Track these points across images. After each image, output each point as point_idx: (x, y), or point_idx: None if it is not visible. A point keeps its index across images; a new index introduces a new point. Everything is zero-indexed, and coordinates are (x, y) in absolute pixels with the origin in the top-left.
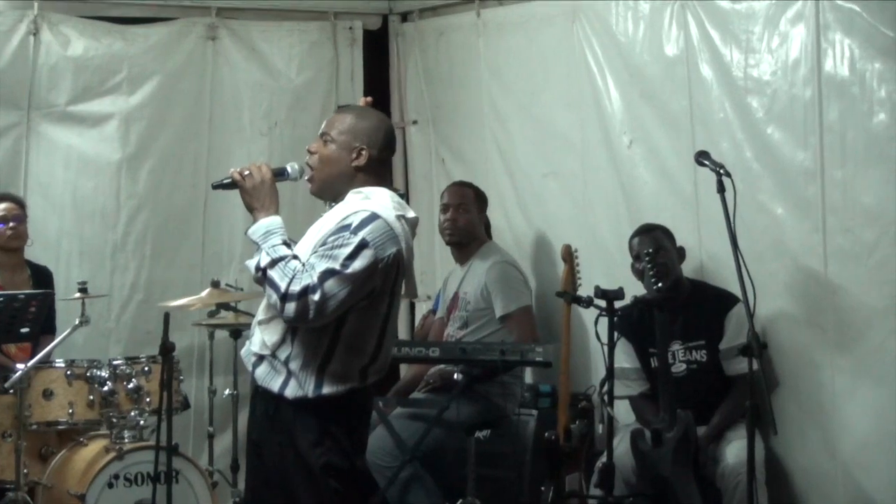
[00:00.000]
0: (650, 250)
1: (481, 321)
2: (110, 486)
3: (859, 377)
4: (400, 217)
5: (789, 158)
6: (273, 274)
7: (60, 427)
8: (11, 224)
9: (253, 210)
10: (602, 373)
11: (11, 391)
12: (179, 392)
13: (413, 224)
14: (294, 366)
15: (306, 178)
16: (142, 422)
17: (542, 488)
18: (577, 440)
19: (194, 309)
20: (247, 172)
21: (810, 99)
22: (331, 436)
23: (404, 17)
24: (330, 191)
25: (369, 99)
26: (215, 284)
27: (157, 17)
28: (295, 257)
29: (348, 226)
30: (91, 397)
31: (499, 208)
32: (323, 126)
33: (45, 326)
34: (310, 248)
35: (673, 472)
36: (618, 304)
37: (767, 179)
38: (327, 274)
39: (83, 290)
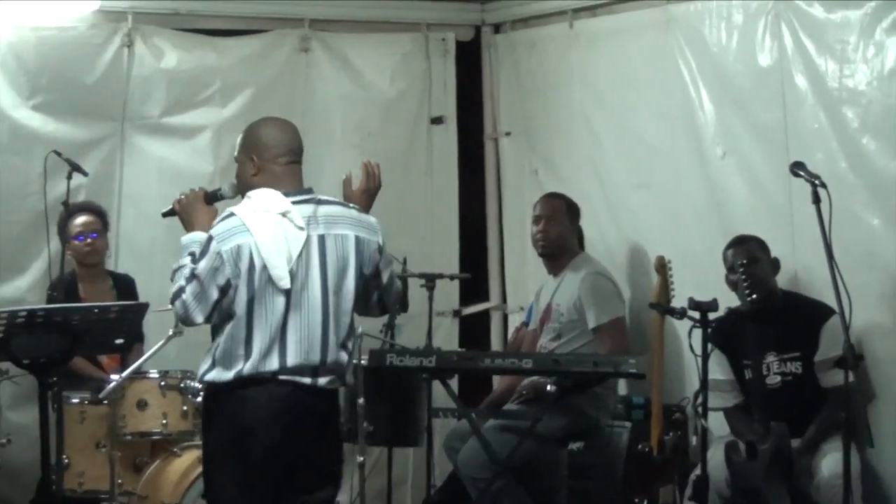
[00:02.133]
0: (744, 261)
1: (574, 332)
2: (204, 496)
3: None
4: (265, 212)
5: (884, 169)
6: (172, 281)
7: (154, 437)
8: (89, 240)
9: (186, 229)
10: (695, 384)
11: (106, 402)
12: None
13: (287, 214)
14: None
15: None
16: None
17: (636, 501)
18: (670, 452)
19: None
20: (182, 198)
21: None
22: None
23: (497, 28)
24: None
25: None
26: None
27: (249, 29)
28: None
29: (214, 226)
30: (184, 408)
31: (591, 219)
32: None
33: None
34: None
35: (767, 484)
36: (711, 316)
37: (862, 190)
38: (191, 275)
39: None
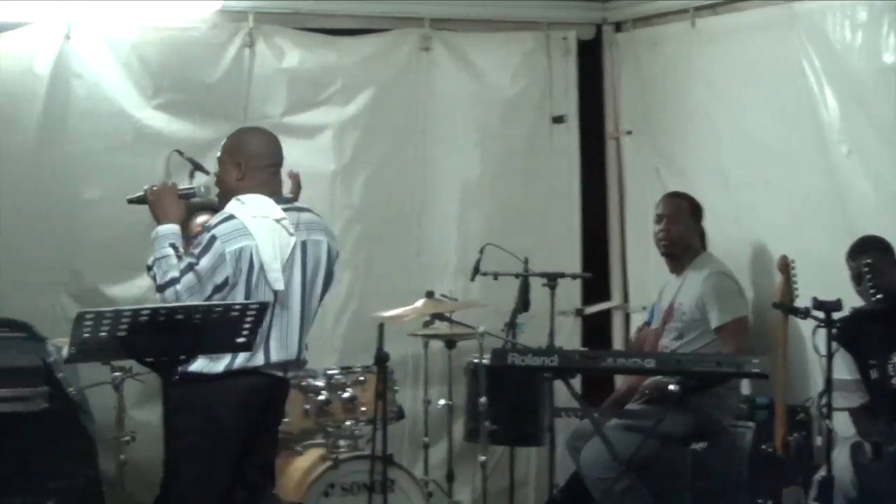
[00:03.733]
0: (869, 261)
1: (696, 332)
2: (326, 494)
3: None
4: (263, 217)
5: None
6: (155, 270)
7: None
8: None
9: (156, 219)
10: (820, 384)
11: None
12: (394, 402)
13: (281, 221)
14: None
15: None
16: (357, 431)
17: (759, 502)
18: (794, 453)
19: (408, 319)
20: (155, 188)
21: None
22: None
23: (618, 26)
24: (227, 202)
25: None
26: (429, 295)
27: (370, 28)
28: (178, 257)
29: (210, 226)
30: (306, 406)
31: (712, 219)
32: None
33: None
34: None
35: (894, 486)
36: (836, 316)
37: None
38: (187, 268)
39: None
